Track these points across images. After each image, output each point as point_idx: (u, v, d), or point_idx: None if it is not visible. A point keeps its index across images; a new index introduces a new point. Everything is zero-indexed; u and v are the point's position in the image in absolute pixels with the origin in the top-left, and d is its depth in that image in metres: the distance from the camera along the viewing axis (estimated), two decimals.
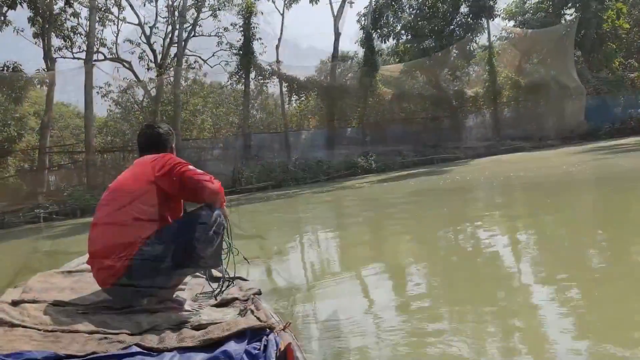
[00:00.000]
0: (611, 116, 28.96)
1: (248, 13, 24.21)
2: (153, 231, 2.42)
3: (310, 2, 27.63)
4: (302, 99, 26.62)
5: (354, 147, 25.42)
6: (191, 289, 2.85)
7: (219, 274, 3.01)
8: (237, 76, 25.56)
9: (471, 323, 3.06)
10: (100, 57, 27.44)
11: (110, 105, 25.89)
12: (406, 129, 27.29)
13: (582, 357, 2.43)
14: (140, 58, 30.01)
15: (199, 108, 26.30)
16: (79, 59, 27.01)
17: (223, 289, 2.73)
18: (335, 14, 27.64)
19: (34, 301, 2.43)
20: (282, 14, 28.05)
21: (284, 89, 26.02)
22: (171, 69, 28.84)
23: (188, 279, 3.01)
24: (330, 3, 28.16)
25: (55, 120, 22.47)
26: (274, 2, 27.95)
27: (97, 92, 23.45)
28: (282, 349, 1.82)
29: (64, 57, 27.09)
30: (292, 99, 26.55)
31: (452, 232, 6.40)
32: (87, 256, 3.21)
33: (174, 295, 2.54)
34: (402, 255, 5.35)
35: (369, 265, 4.98)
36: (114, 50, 29.51)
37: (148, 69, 29.24)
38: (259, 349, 1.83)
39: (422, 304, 3.53)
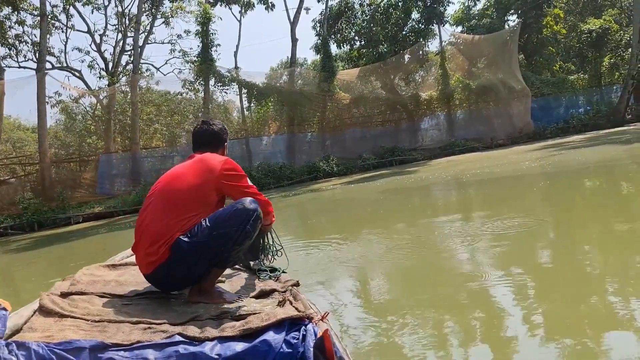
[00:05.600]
0: (555, 116, 30.54)
1: (206, 20, 24.01)
2: (195, 223, 2.50)
3: (265, 9, 27.75)
4: (262, 104, 26.64)
5: (315, 152, 25.70)
6: (231, 281, 2.92)
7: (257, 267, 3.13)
8: (196, 84, 25.27)
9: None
10: (48, 66, 26.51)
11: (63, 117, 24.96)
12: (365, 132, 27.73)
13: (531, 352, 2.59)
14: (91, 67, 29.24)
15: (151, 117, 25.82)
16: (25, 68, 26.08)
17: (273, 275, 2.88)
18: (292, 20, 27.87)
19: (81, 293, 2.49)
20: (240, 21, 28.04)
21: (243, 95, 25.98)
22: (123, 77, 28.22)
23: (228, 271, 3.06)
24: (287, 10, 28.46)
25: None
26: (230, 9, 27.89)
27: (47, 102, 22.56)
28: (320, 335, 1.83)
29: (9, 67, 26.07)
30: (252, 104, 26.54)
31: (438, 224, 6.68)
32: (130, 250, 3.25)
33: (215, 287, 2.59)
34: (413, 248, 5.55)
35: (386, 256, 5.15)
36: (63, 59, 28.63)
37: (100, 78, 28.55)
38: (298, 339, 1.86)
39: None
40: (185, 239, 2.43)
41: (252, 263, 3.13)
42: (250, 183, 2.77)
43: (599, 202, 6.93)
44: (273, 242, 3.14)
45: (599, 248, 4.46)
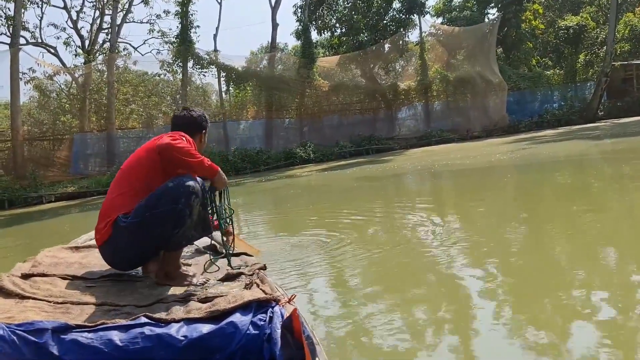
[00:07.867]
0: (529, 111, 31.02)
1: (186, 0, 23.60)
2: (138, 201, 2.48)
3: None
4: (241, 88, 26.43)
5: (292, 138, 25.64)
6: (198, 264, 2.93)
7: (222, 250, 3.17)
8: (174, 65, 24.91)
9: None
10: (22, 41, 25.82)
11: (36, 94, 24.35)
12: (342, 120, 27.65)
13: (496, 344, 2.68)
14: (66, 44, 28.52)
15: (128, 97, 25.40)
16: None
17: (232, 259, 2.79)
18: (273, 4, 27.59)
19: (43, 275, 2.46)
20: (220, 3, 27.61)
21: (222, 79, 25.72)
22: (100, 56, 27.65)
23: (195, 255, 3.10)
24: None
25: None
26: None
27: (20, 78, 22.03)
28: (288, 315, 1.81)
29: None
30: (230, 88, 26.29)
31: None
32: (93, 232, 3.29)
33: (181, 270, 2.60)
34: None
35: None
36: (37, 35, 27.89)
37: (76, 55, 27.91)
38: (265, 321, 1.86)
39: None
40: (124, 219, 2.45)
41: (218, 246, 3.11)
42: (180, 141, 2.57)
43: (561, 194, 7.23)
44: (222, 203, 2.82)
45: (558, 237, 4.71)
